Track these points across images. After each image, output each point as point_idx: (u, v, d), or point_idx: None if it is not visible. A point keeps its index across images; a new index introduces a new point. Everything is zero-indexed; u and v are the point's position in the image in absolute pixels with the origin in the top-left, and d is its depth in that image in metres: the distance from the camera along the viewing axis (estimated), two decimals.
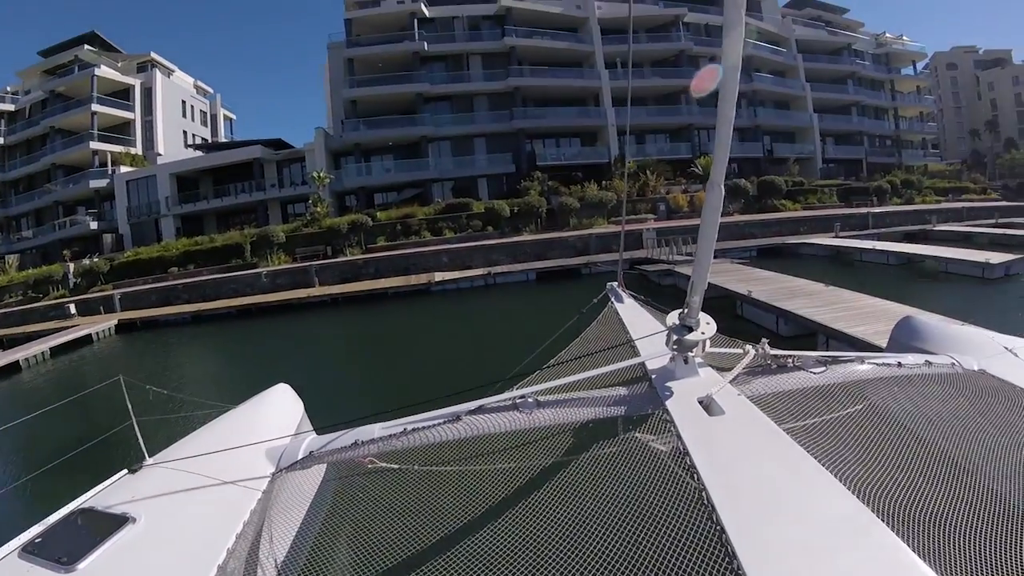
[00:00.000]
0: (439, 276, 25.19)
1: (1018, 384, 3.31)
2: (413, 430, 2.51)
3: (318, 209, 33.95)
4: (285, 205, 43.00)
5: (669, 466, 2.17)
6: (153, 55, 52.13)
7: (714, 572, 1.63)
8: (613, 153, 43.72)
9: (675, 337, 2.85)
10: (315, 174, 36.97)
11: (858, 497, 1.92)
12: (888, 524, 1.79)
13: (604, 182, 38.50)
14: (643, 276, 22.61)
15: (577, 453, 2.52)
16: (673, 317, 3.00)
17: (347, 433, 2.62)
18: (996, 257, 22.06)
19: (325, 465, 2.61)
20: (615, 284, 5.34)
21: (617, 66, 46.36)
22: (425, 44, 42.25)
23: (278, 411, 3.19)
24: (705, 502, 1.85)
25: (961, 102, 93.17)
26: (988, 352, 4.00)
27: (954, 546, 1.88)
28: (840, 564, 1.61)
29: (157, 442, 2.63)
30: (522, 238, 31.11)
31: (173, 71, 54.33)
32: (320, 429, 2.93)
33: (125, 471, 2.38)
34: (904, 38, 67.39)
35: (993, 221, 40.18)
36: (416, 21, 42.93)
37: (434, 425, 2.52)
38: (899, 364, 3.48)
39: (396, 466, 2.44)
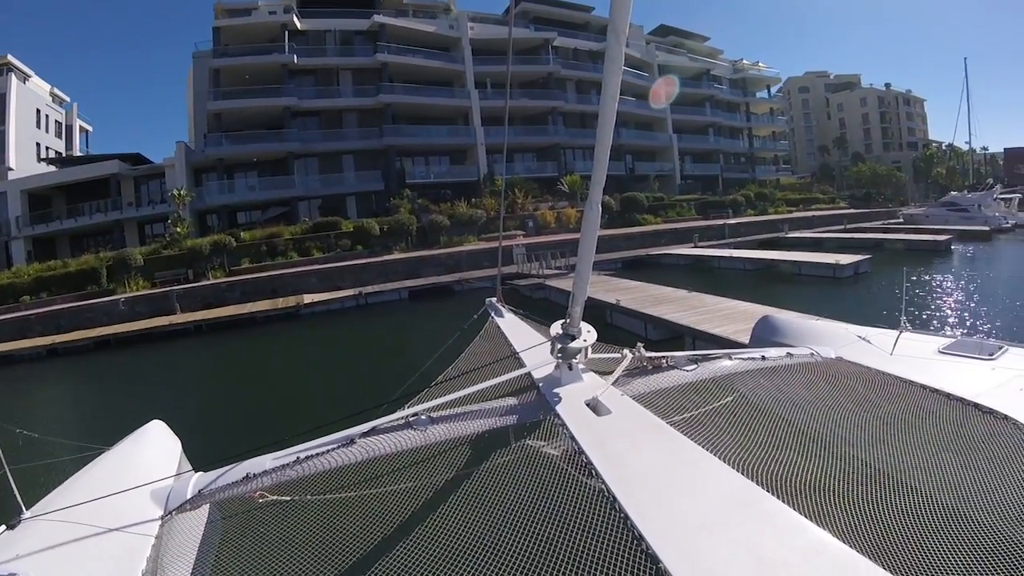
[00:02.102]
0: (308, 298, 24.78)
1: (872, 367, 3.89)
2: (306, 458, 2.51)
3: (178, 229, 32.79)
4: (143, 225, 41.75)
5: (565, 467, 2.33)
6: (10, 58, 48.63)
7: (626, 556, 1.75)
8: (482, 171, 45.67)
9: (559, 346, 3.14)
10: (175, 191, 36.04)
11: (743, 474, 2.19)
12: (773, 494, 2.07)
13: (473, 200, 40.14)
14: (515, 291, 23.22)
15: (475, 465, 2.59)
16: (556, 327, 3.32)
17: (236, 467, 2.59)
18: (845, 259, 25.46)
19: (216, 503, 2.52)
20: (494, 300, 5.55)
21: (487, 86, 48.76)
22: (295, 57, 42.21)
23: (156, 450, 3.11)
24: (606, 494, 2.01)
25: (812, 122, 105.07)
26: (844, 341, 4.62)
27: (833, 506, 2.14)
28: (736, 533, 1.81)
29: (33, 492, 2.49)
30: (393, 257, 31.55)
31: (30, 76, 51.35)
32: (204, 466, 2.84)
33: (3, 527, 2.26)
34: (760, 64, 75.48)
35: (842, 227, 46.51)
36: (287, 33, 42.80)
37: (327, 451, 2.54)
38: (763, 357, 3.98)
39: (290, 498, 2.41)
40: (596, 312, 16.58)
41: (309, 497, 2.42)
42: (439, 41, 48.55)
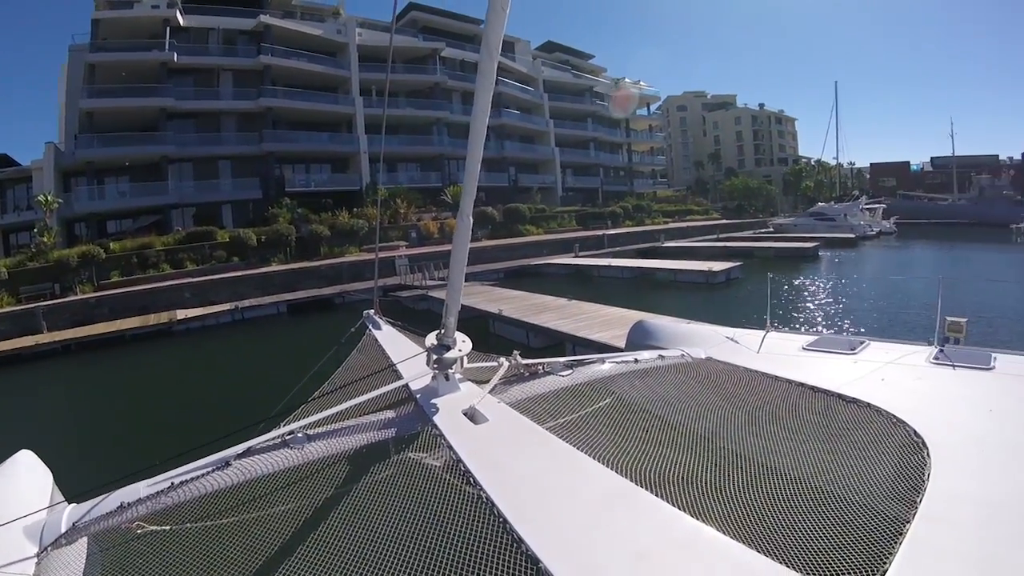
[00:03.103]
0: (182, 314, 23.74)
1: (740, 365, 4.25)
2: (182, 483, 2.45)
3: (45, 239, 30.67)
4: (8, 235, 40.06)
5: (445, 477, 2.40)
6: None
7: (507, 560, 1.84)
8: (364, 180, 45.74)
9: (435, 356, 3.28)
10: (42, 198, 33.82)
11: (618, 472, 2.36)
12: (648, 489, 2.26)
13: (355, 209, 39.99)
14: (398, 303, 23.26)
15: (356, 481, 2.60)
16: (431, 338, 3.44)
17: (110, 496, 2.50)
18: (718, 266, 28.02)
19: (93, 536, 2.42)
20: (371, 312, 5.60)
21: (372, 94, 48.98)
22: (175, 55, 40.28)
23: (26, 482, 2.95)
24: (485, 501, 2.12)
25: (689, 138, 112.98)
26: (714, 342, 5.05)
27: (707, 497, 2.33)
28: (613, 529, 1.97)
29: None
30: (271, 269, 30.77)
31: None
32: (78, 497, 2.70)
33: None
34: (641, 83, 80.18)
35: (715, 236, 50.70)
36: (169, 29, 40.85)
37: (204, 475, 2.49)
38: (636, 360, 4.23)
39: (168, 527, 2.35)
40: (479, 322, 17.34)
41: (188, 525, 2.35)
42: (326, 45, 48.32)
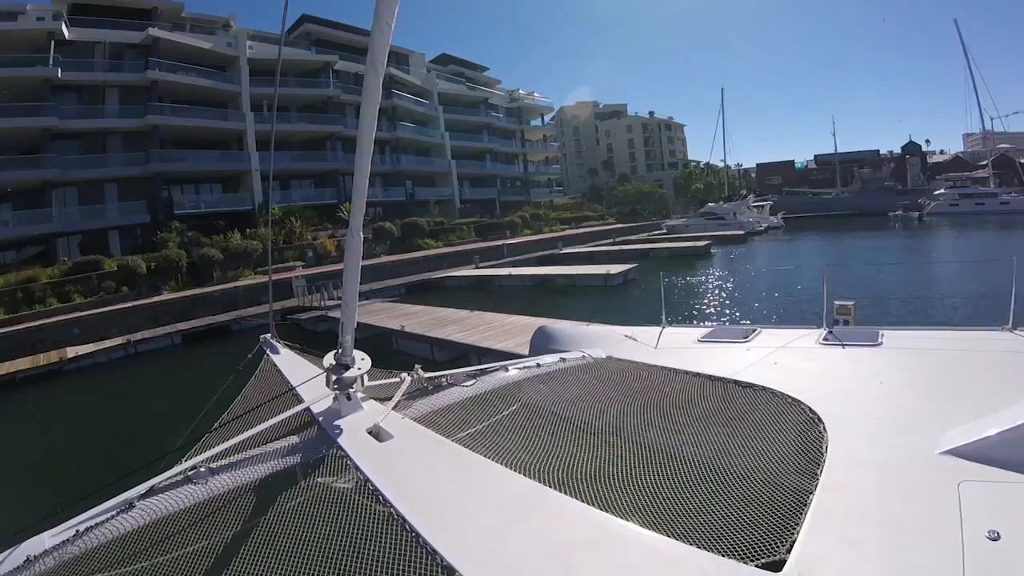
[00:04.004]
0: (72, 351, 22.65)
1: (639, 360, 4.56)
2: (87, 530, 2.39)
3: None
4: None
5: (355, 498, 2.42)
6: None
7: (423, 572, 1.89)
8: (257, 199, 44.98)
9: (334, 377, 3.33)
10: None
11: (525, 476, 2.50)
12: (556, 488, 2.38)
13: (248, 230, 39.18)
14: (297, 325, 23.30)
15: (264, 512, 2.56)
16: (329, 358, 3.45)
17: (15, 551, 2.41)
18: (615, 268, 29.83)
19: None
20: (268, 336, 5.53)
21: (264, 109, 48.29)
22: (60, 71, 38.31)
23: None
24: (396, 518, 2.17)
25: (582, 147, 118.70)
26: (613, 341, 5.33)
27: (614, 489, 2.45)
28: (525, 530, 2.06)
29: None
30: (163, 297, 29.53)
31: None
32: None
33: None
34: (535, 94, 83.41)
35: (611, 241, 53.33)
36: (54, 43, 38.89)
37: (108, 519, 2.44)
38: (538, 365, 4.45)
39: None
40: (382, 340, 17.50)
41: (97, 575, 2.27)
42: (216, 59, 47.44)
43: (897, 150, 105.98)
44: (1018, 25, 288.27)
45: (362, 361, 3.53)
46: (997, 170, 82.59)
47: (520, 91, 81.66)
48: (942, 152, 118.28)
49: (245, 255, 36.32)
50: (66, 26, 40.05)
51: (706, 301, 23.31)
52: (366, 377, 3.57)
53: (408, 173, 59.45)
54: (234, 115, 47.19)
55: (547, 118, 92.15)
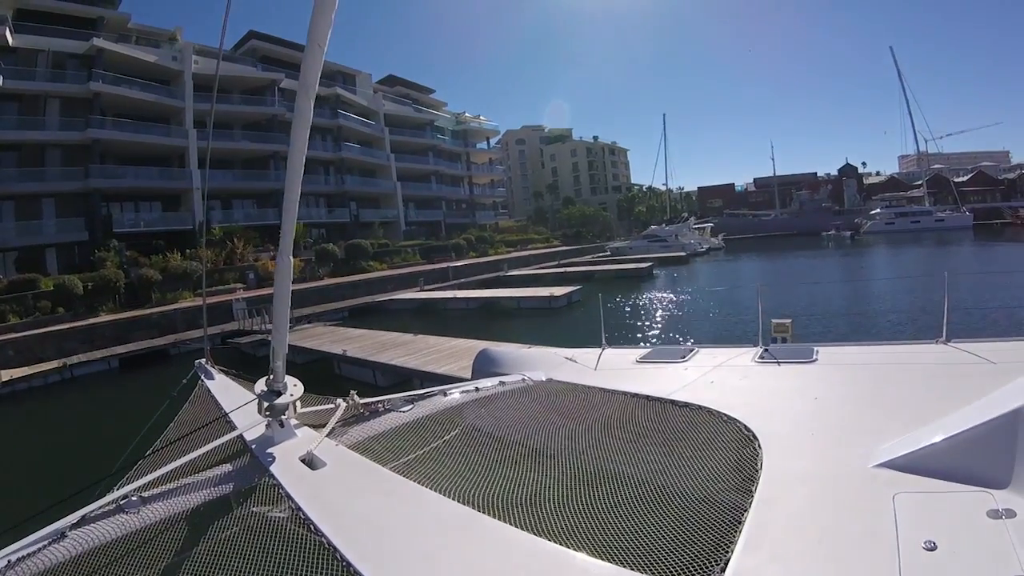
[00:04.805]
0: (6, 374, 22.02)
1: (579, 382, 4.71)
2: (18, 560, 2.34)
3: None
4: None
5: (287, 528, 2.42)
6: None
7: None
8: (198, 219, 44.27)
9: (266, 404, 3.35)
10: None
11: (461, 502, 2.52)
12: (491, 514, 2.40)
13: (188, 250, 38.68)
14: (237, 349, 23.28)
15: (196, 543, 2.51)
16: (261, 384, 3.48)
17: None
18: (559, 291, 30.24)
19: None
20: (203, 361, 5.43)
21: (207, 125, 48.17)
22: (2, 79, 37.14)
23: None
24: (327, 547, 2.16)
25: (528, 170, 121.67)
26: (553, 364, 5.48)
27: (550, 512, 2.46)
28: (456, 557, 2.12)
29: None
30: (100, 319, 28.86)
31: None
32: None
33: None
34: (481, 118, 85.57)
35: (556, 263, 55.14)
36: None
37: (39, 550, 2.38)
38: (477, 389, 4.54)
39: None
40: (324, 365, 17.72)
41: None
42: (160, 73, 47.03)
43: (834, 172, 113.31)
44: (950, 51, 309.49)
45: (294, 387, 3.55)
46: (932, 189, 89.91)
47: (466, 114, 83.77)
48: (878, 173, 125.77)
49: (184, 276, 35.44)
50: (10, 32, 39.09)
51: (648, 322, 24.08)
52: (299, 404, 3.59)
53: (353, 194, 59.88)
54: (177, 131, 46.68)
55: (493, 141, 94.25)
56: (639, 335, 21.18)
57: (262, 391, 3.44)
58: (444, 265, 47.89)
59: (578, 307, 28.99)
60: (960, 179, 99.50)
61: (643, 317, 25.24)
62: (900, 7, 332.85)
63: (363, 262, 46.35)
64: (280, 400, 3.38)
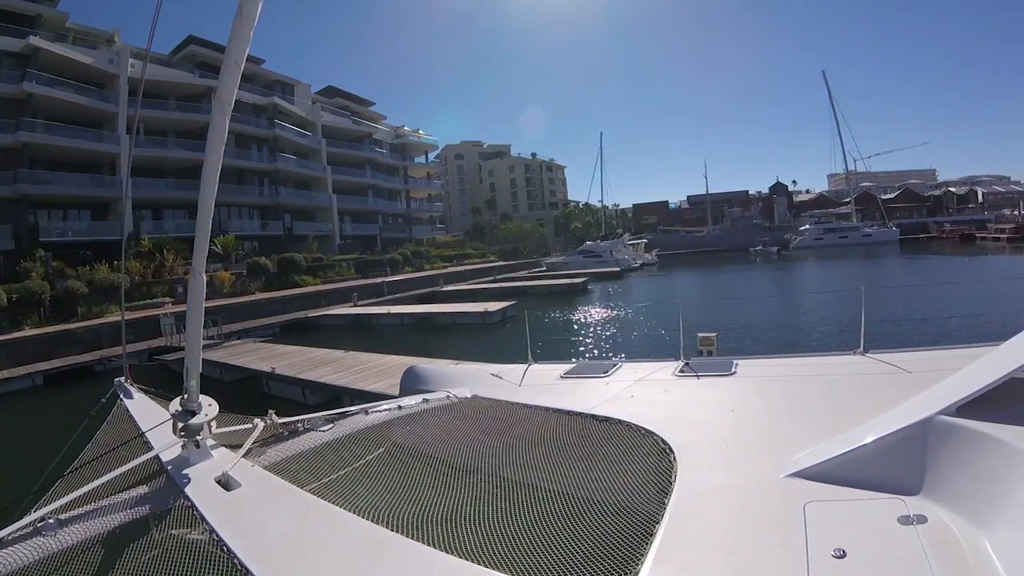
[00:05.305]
0: None
1: (503, 399, 4.85)
2: None
3: None
4: None
5: (203, 550, 2.42)
6: None
7: None
8: (129, 229, 43.52)
9: (180, 424, 3.35)
10: None
11: (377, 522, 2.55)
12: (407, 533, 2.45)
13: (116, 262, 37.29)
14: (164, 366, 22.41)
15: (113, 566, 2.49)
16: (175, 404, 3.50)
17: None
18: (493, 306, 30.90)
19: None
20: (123, 379, 5.32)
21: (141, 132, 47.17)
22: None
23: None
24: (240, 568, 2.18)
25: (466, 185, 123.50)
26: (479, 380, 5.61)
27: (467, 531, 2.51)
28: (371, 573, 2.16)
29: None
30: (24, 333, 28.00)
31: None
32: None
33: None
34: (420, 131, 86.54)
35: (492, 278, 55.95)
36: None
37: None
38: (400, 407, 4.61)
39: None
40: (252, 382, 17.46)
41: None
42: (96, 76, 45.89)
43: (766, 190, 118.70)
44: (883, 76, 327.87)
45: (209, 407, 3.53)
46: (860, 206, 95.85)
47: (405, 127, 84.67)
48: (808, 191, 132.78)
49: (112, 289, 34.30)
50: None
51: (578, 337, 24.54)
52: (215, 423, 3.56)
53: (287, 207, 59.76)
54: (109, 137, 45.80)
55: (431, 155, 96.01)
56: (571, 350, 21.53)
57: (176, 411, 3.46)
58: (379, 280, 47.86)
59: (512, 322, 29.48)
60: (888, 196, 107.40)
61: (574, 332, 25.71)
62: (835, 33, 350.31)
63: (296, 276, 45.79)
64: (195, 420, 3.40)
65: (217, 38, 57.65)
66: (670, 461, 3.16)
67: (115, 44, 50.04)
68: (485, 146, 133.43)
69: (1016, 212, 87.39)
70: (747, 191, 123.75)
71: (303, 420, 4.12)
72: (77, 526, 2.69)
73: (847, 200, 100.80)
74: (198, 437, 3.38)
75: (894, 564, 2.01)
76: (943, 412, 2.60)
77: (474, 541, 2.43)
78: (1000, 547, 1.97)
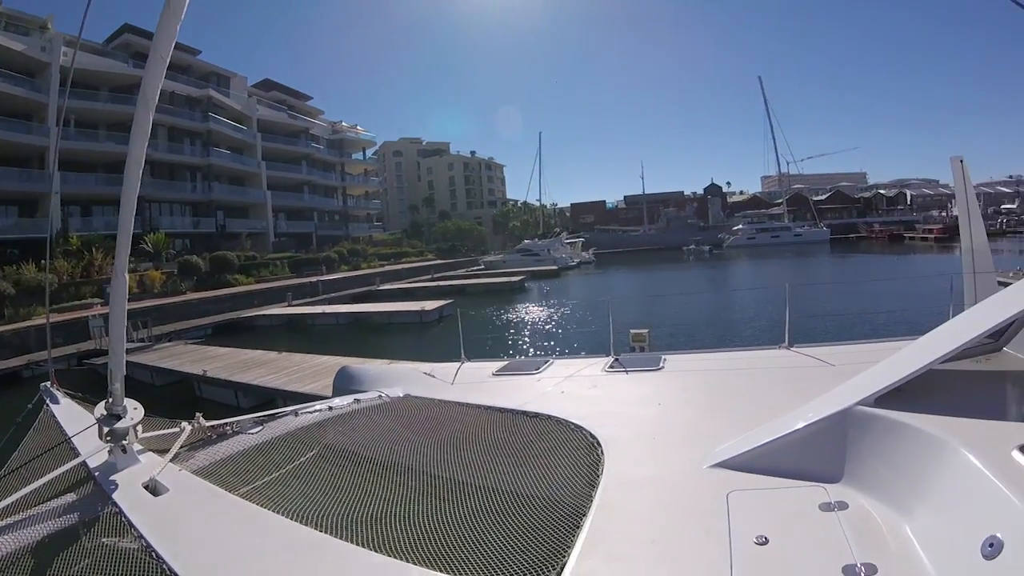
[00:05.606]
0: None
1: (435, 397, 4.93)
2: None
3: None
4: None
5: (137, 557, 2.39)
6: None
7: None
8: (57, 226, 42.24)
9: (106, 428, 3.27)
10: None
11: (307, 524, 2.55)
12: (336, 534, 2.46)
13: (44, 261, 34.67)
14: (93, 370, 21.52)
15: None
16: (100, 408, 3.40)
17: None
18: (431, 305, 30.97)
19: None
20: (49, 384, 5.23)
21: (71, 124, 46.09)
22: None
23: None
24: (168, 574, 2.17)
25: (404, 183, 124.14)
26: (412, 379, 5.65)
27: (397, 529, 2.52)
28: (298, 574, 2.16)
29: None
30: None
31: None
32: None
33: None
34: (358, 127, 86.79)
35: (430, 277, 56.53)
36: None
37: None
38: (330, 408, 4.62)
39: None
40: (184, 386, 17.19)
41: None
42: (26, 64, 44.40)
43: (701, 191, 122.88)
44: (813, 82, 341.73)
45: (135, 410, 3.47)
46: (791, 207, 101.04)
47: (343, 123, 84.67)
48: (742, 192, 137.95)
49: (40, 290, 31.93)
50: None
51: (514, 334, 25.04)
52: (141, 427, 3.51)
53: (220, 203, 58.97)
54: (39, 129, 44.42)
55: (369, 152, 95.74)
56: (506, 348, 21.67)
57: (101, 415, 3.39)
58: (314, 279, 47.10)
59: (449, 321, 29.12)
60: (819, 198, 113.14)
61: (510, 330, 26.12)
62: (770, 41, 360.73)
63: (229, 275, 44.57)
64: (120, 424, 3.33)
65: (154, 27, 55.88)
66: (598, 455, 3.26)
67: (48, 31, 48.33)
68: (424, 143, 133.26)
69: (944, 213, 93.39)
70: (683, 192, 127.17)
71: (232, 423, 4.13)
72: (6, 537, 2.63)
73: (780, 201, 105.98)
74: (124, 442, 3.34)
75: (816, 549, 2.09)
76: (862, 403, 2.72)
77: (404, 539, 2.47)
78: (919, 531, 2.07)
